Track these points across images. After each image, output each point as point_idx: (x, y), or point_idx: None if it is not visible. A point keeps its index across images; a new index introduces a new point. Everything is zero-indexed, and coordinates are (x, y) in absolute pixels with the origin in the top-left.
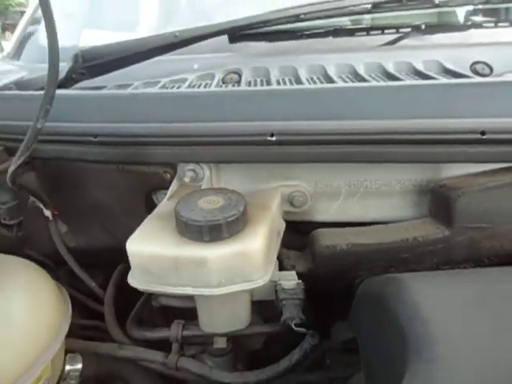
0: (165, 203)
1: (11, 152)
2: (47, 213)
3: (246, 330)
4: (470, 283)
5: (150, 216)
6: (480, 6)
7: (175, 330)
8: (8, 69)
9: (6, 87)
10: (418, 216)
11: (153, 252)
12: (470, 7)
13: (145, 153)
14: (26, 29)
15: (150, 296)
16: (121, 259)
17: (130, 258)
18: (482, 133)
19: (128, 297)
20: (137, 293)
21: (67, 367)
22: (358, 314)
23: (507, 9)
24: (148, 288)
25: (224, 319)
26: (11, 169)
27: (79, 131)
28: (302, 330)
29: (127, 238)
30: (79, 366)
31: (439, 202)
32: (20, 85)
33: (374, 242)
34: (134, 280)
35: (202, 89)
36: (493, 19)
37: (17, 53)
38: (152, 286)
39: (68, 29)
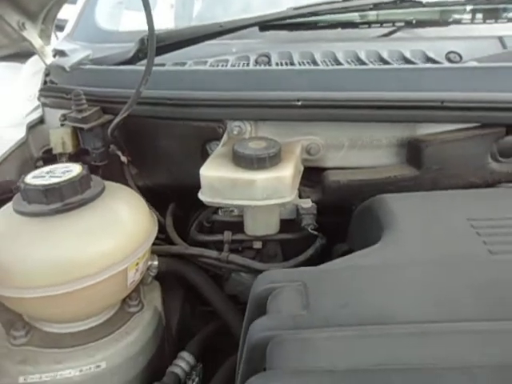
0: (220, 149)
1: (104, 111)
2: (123, 158)
3: (275, 235)
4: (431, 199)
5: (212, 155)
6: (457, 7)
7: (227, 235)
8: (73, 48)
9: (81, 63)
10: (398, 162)
11: (218, 175)
12: (451, 7)
13: (205, 112)
14: (83, 11)
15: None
16: (177, 195)
17: (202, 180)
18: (442, 102)
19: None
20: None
21: (149, 262)
22: (352, 227)
23: (484, 9)
24: (213, 201)
25: (262, 225)
26: (115, 122)
27: (157, 96)
28: (315, 232)
29: (185, 178)
30: (156, 262)
31: (412, 151)
32: (95, 61)
33: (366, 178)
34: (204, 196)
35: (245, 67)
36: (469, 17)
37: (75, 34)
38: (216, 200)
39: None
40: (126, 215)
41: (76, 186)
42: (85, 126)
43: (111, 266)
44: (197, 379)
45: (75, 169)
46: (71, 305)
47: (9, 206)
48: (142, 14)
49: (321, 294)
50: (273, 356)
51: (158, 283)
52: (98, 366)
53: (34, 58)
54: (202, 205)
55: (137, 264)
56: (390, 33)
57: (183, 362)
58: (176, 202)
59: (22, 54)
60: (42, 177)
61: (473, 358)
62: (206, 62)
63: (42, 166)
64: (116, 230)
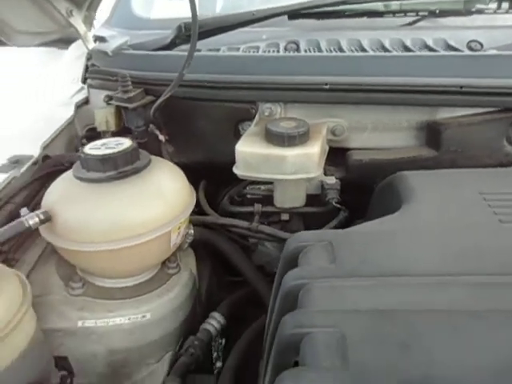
0: (252, 128)
1: (147, 92)
2: (161, 137)
3: (301, 208)
4: (447, 176)
5: (245, 134)
6: None
7: (257, 207)
8: (111, 34)
9: (121, 48)
10: (417, 144)
11: (252, 151)
12: None
13: (239, 94)
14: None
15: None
16: (209, 173)
17: (237, 155)
18: (461, 87)
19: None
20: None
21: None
22: (373, 203)
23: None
24: (246, 174)
25: (290, 198)
26: (158, 102)
27: (196, 79)
28: (339, 206)
29: (218, 156)
30: (192, 231)
31: (431, 134)
32: (133, 47)
33: (387, 157)
34: (238, 170)
35: (276, 53)
36: (493, 6)
37: (112, 21)
38: (249, 173)
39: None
40: (171, 184)
41: (128, 156)
42: (130, 106)
43: (158, 227)
44: (222, 341)
45: (126, 142)
46: (122, 260)
47: (68, 173)
48: (175, 3)
49: (345, 251)
50: (304, 301)
51: (192, 251)
52: (144, 317)
53: (76, 43)
54: (231, 182)
55: (178, 228)
56: (414, 22)
57: (214, 320)
58: (207, 179)
59: (62, 40)
60: (97, 148)
61: (477, 305)
62: (238, 49)
63: (87, 144)
64: (162, 197)
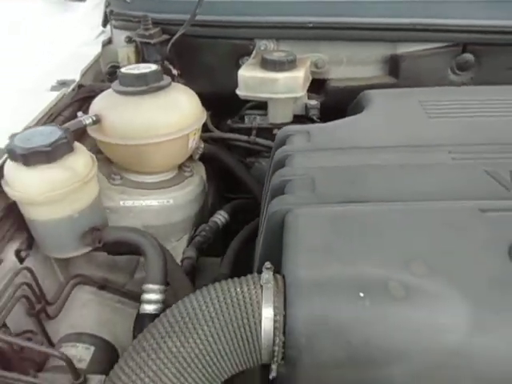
0: (251, 60)
1: (163, 32)
2: (174, 71)
3: (289, 123)
4: (400, 92)
5: (245, 63)
6: None
7: (254, 122)
8: None
9: None
10: (382, 74)
11: (251, 75)
12: None
13: (240, 32)
14: None
15: None
16: (214, 105)
17: (239, 79)
18: (414, 25)
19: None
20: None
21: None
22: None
23: None
24: (247, 94)
25: (281, 115)
26: (174, 38)
27: (205, 19)
28: (319, 121)
29: (222, 86)
30: (202, 145)
31: (392, 65)
32: None
33: (357, 84)
34: (240, 91)
35: None
36: None
37: None
38: (249, 93)
39: None
40: (187, 100)
41: (155, 75)
42: (151, 41)
43: (179, 130)
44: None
45: (153, 66)
46: (151, 156)
47: (108, 91)
48: None
49: (318, 135)
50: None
51: (202, 164)
52: (168, 202)
53: None
54: (233, 111)
55: (194, 134)
56: None
57: (220, 215)
58: (212, 111)
59: None
60: (131, 69)
61: (404, 161)
62: None
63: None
64: (181, 109)
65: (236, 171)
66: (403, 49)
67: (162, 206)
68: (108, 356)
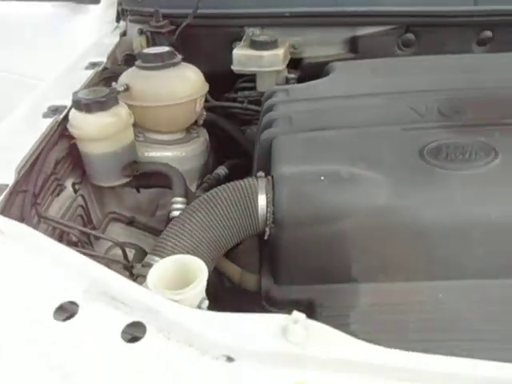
0: (242, 43)
1: (171, 23)
2: (179, 56)
3: None
4: (357, 62)
5: (238, 46)
6: None
7: (247, 94)
8: None
9: None
10: (345, 51)
11: (242, 53)
12: None
13: (233, 21)
14: None
15: None
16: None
17: (234, 56)
18: (368, 12)
19: None
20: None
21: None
22: None
23: None
24: (240, 69)
25: (267, 85)
26: (182, 26)
27: (205, 12)
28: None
29: (219, 66)
30: (205, 113)
31: (352, 44)
32: None
33: (326, 60)
34: (234, 66)
35: None
36: None
37: None
38: (241, 68)
39: None
40: (194, 72)
41: (169, 54)
42: (162, 30)
43: (188, 95)
44: None
45: (167, 48)
46: (168, 116)
47: (132, 68)
48: None
49: (295, 90)
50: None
51: (205, 129)
52: (182, 153)
53: None
54: (228, 88)
55: (200, 100)
56: None
57: (221, 169)
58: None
59: None
60: (150, 51)
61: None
62: None
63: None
64: (190, 80)
65: (232, 133)
66: (360, 31)
67: (175, 156)
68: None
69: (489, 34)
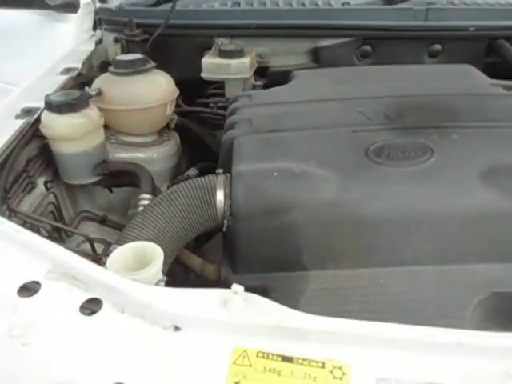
0: (211, 52)
1: (145, 32)
2: (152, 63)
3: None
4: (318, 71)
5: (207, 54)
6: None
7: (216, 99)
8: None
9: (121, 6)
10: (308, 61)
11: (211, 61)
12: None
13: (203, 32)
14: None
15: None
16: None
17: (203, 65)
18: (329, 26)
19: None
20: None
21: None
22: None
23: None
24: (208, 76)
25: (235, 92)
26: (153, 36)
27: (176, 22)
28: None
29: (190, 73)
30: (176, 117)
31: (315, 54)
32: (129, 5)
33: (290, 68)
34: (204, 74)
35: (224, 7)
36: None
37: None
38: (210, 75)
39: None
40: (165, 78)
41: (141, 61)
42: (136, 39)
43: (159, 100)
44: None
45: (140, 55)
46: (138, 120)
47: (105, 74)
48: None
49: (258, 95)
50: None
51: (176, 133)
52: (153, 155)
53: (84, 4)
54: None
55: (170, 104)
56: None
57: (192, 171)
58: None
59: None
60: (123, 57)
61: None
62: (201, 4)
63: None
64: (160, 85)
65: (203, 137)
66: (322, 43)
67: (146, 157)
68: None
69: (438, 47)
